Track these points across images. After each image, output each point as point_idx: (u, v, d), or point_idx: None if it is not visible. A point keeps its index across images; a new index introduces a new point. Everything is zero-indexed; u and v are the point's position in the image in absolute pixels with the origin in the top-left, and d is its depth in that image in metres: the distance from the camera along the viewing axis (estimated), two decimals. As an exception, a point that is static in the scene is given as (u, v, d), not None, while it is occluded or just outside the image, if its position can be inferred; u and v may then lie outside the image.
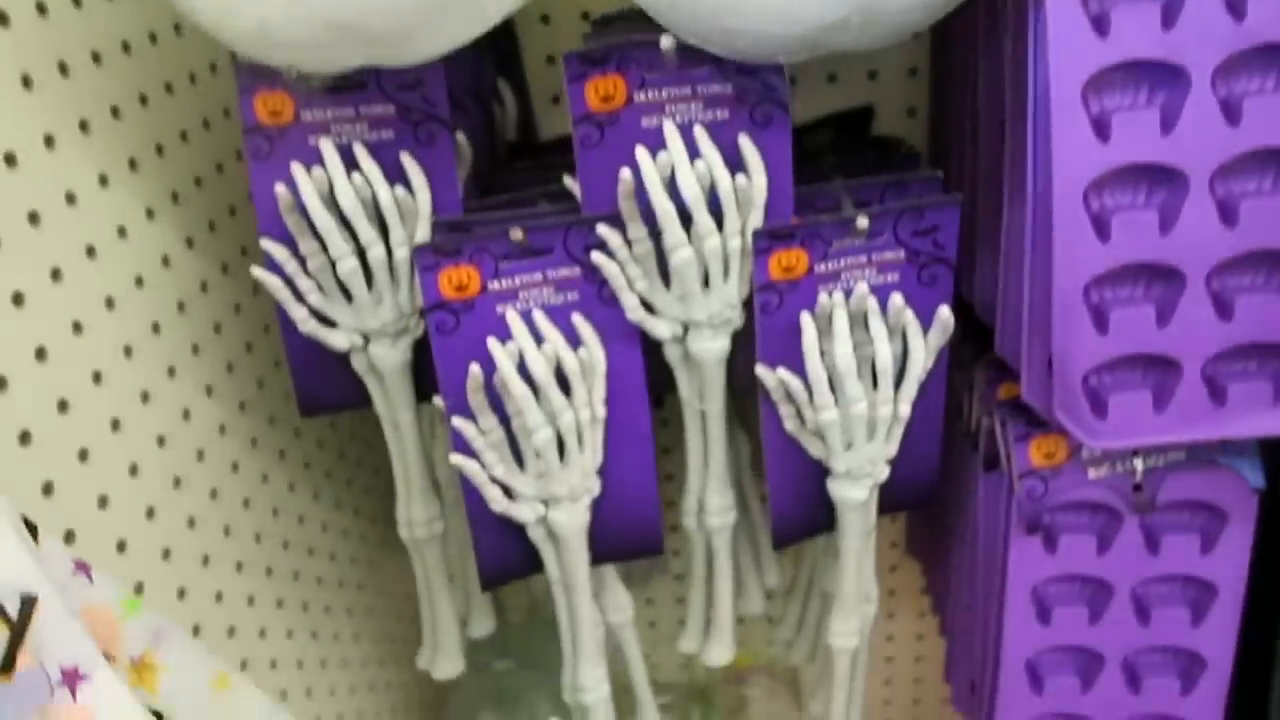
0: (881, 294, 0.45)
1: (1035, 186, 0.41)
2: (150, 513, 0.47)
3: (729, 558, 0.54)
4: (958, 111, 0.54)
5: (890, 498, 0.51)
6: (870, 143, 0.60)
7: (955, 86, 0.55)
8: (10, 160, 0.39)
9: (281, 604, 0.60)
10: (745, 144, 0.43)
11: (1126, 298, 0.42)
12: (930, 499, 0.53)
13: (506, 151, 0.61)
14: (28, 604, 0.22)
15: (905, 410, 0.45)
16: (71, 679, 0.22)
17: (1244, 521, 0.47)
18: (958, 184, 0.54)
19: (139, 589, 0.45)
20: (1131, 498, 0.47)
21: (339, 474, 0.70)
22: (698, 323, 0.45)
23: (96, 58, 0.45)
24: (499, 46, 0.63)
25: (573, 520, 0.46)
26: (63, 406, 0.41)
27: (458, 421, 0.43)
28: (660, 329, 0.45)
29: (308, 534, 0.64)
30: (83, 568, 0.25)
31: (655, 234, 0.44)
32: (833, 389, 0.45)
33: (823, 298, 0.43)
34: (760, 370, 0.45)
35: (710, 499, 0.51)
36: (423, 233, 0.45)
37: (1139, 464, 0.47)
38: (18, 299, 0.39)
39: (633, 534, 0.49)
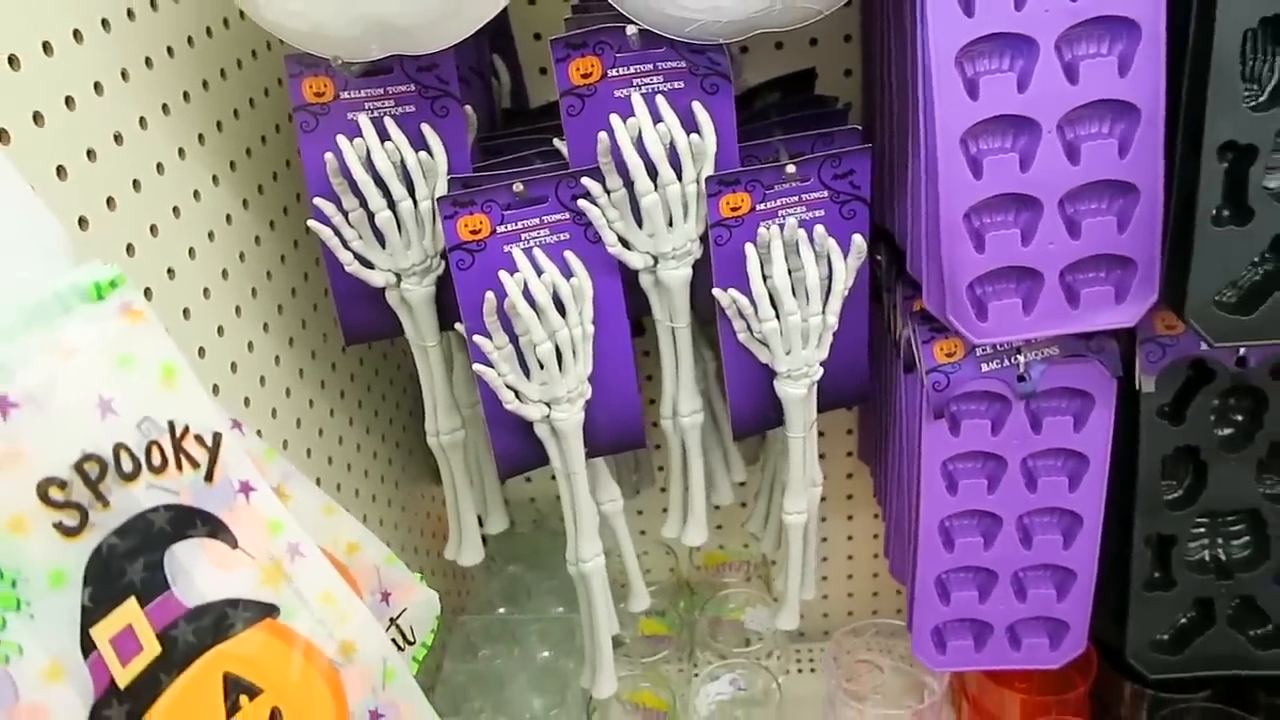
0: (810, 226, 0.56)
1: (925, 135, 0.52)
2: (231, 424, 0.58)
3: (699, 453, 0.65)
4: (879, 73, 0.65)
5: (829, 396, 0.62)
6: (810, 101, 0.71)
7: (876, 52, 0.65)
8: (118, 139, 0.50)
9: (327, 510, 0.72)
10: (698, 109, 0.54)
11: (998, 223, 0.53)
12: (863, 397, 0.64)
13: (503, 118, 0.72)
14: (217, 437, 0.33)
15: (832, 320, 0.57)
16: (246, 489, 0.33)
17: (1107, 404, 0.59)
18: (881, 134, 0.65)
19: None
20: (1017, 387, 0.59)
21: (368, 404, 0.81)
22: (665, 254, 0.56)
23: (170, 51, 0.56)
24: (494, 26, 0.73)
25: (570, 418, 0.58)
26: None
27: (478, 339, 0.55)
28: (635, 260, 0.56)
29: (346, 452, 0.75)
30: (237, 424, 0.36)
31: (629, 184, 0.55)
32: (773, 304, 0.56)
33: (761, 230, 0.54)
34: (716, 291, 0.56)
35: (682, 403, 0.63)
36: (441, 188, 0.56)
37: (1022, 359, 0.58)
38: (129, 249, 0.50)
39: (620, 430, 0.61)
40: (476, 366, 0.55)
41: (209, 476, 0.32)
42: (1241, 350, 0.57)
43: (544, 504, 0.95)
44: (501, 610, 0.85)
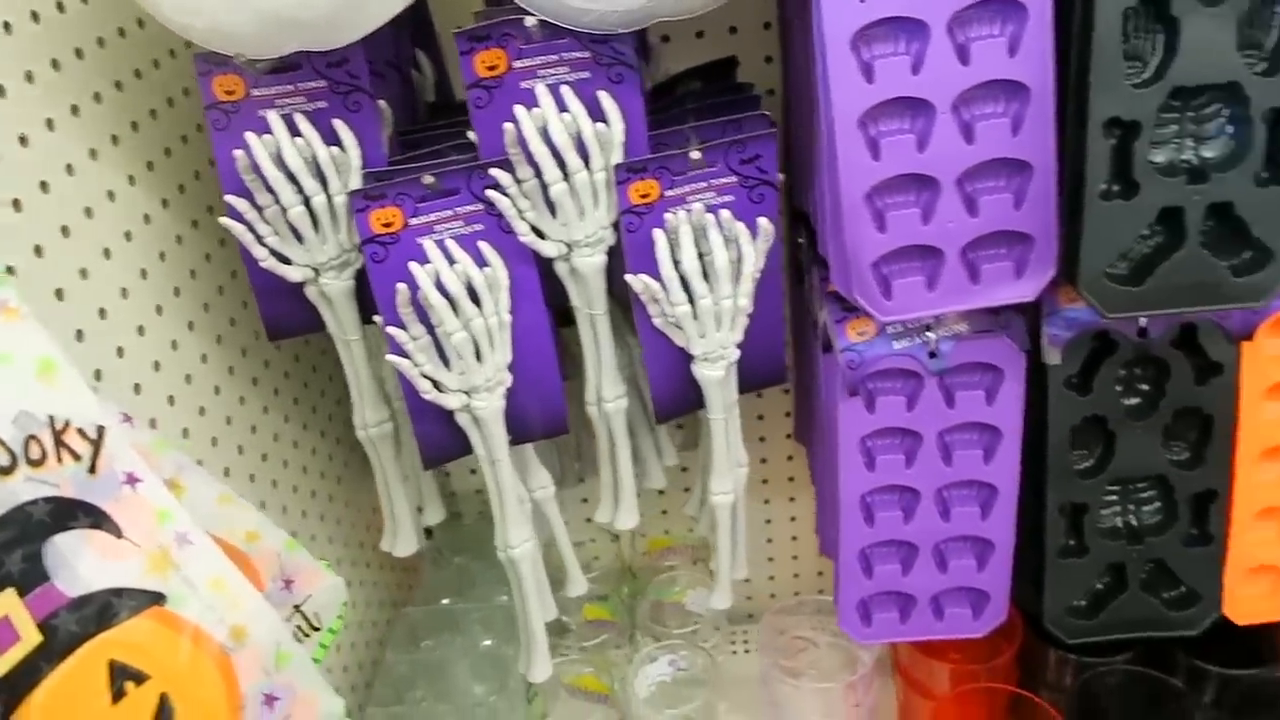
0: (720, 211, 0.57)
1: (824, 118, 0.53)
2: (153, 423, 0.59)
3: (626, 438, 0.66)
4: (792, 58, 0.66)
5: (748, 377, 0.63)
6: (729, 88, 0.72)
7: (789, 38, 0.67)
8: (24, 141, 0.50)
9: (264, 506, 0.72)
10: (604, 98, 0.55)
11: (899, 203, 0.54)
12: (781, 378, 0.66)
13: (426, 111, 0.72)
14: (100, 430, 0.33)
15: (744, 303, 0.58)
16: (131, 480, 0.34)
17: (1016, 377, 0.61)
18: (796, 119, 0.66)
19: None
20: (928, 363, 0.60)
21: (306, 400, 0.81)
22: (578, 242, 0.57)
23: (79, 53, 0.56)
24: (416, 20, 0.73)
25: (490, 406, 0.58)
26: (79, 335, 0.52)
27: (391, 330, 0.55)
28: (549, 249, 0.57)
29: (282, 449, 0.76)
30: (128, 418, 0.37)
31: (540, 174, 0.56)
32: (686, 289, 0.57)
33: (669, 216, 0.55)
34: (629, 277, 0.57)
35: (606, 389, 0.64)
36: (355, 182, 0.57)
37: (932, 335, 0.60)
38: (38, 250, 0.50)
39: (542, 417, 0.62)
40: (390, 358, 0.56)
41: (92, 469, 0.33)
42: (1142, 321, 0.59)
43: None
44: (446, 601, 0.85)
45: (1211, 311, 0.56)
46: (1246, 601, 0.65)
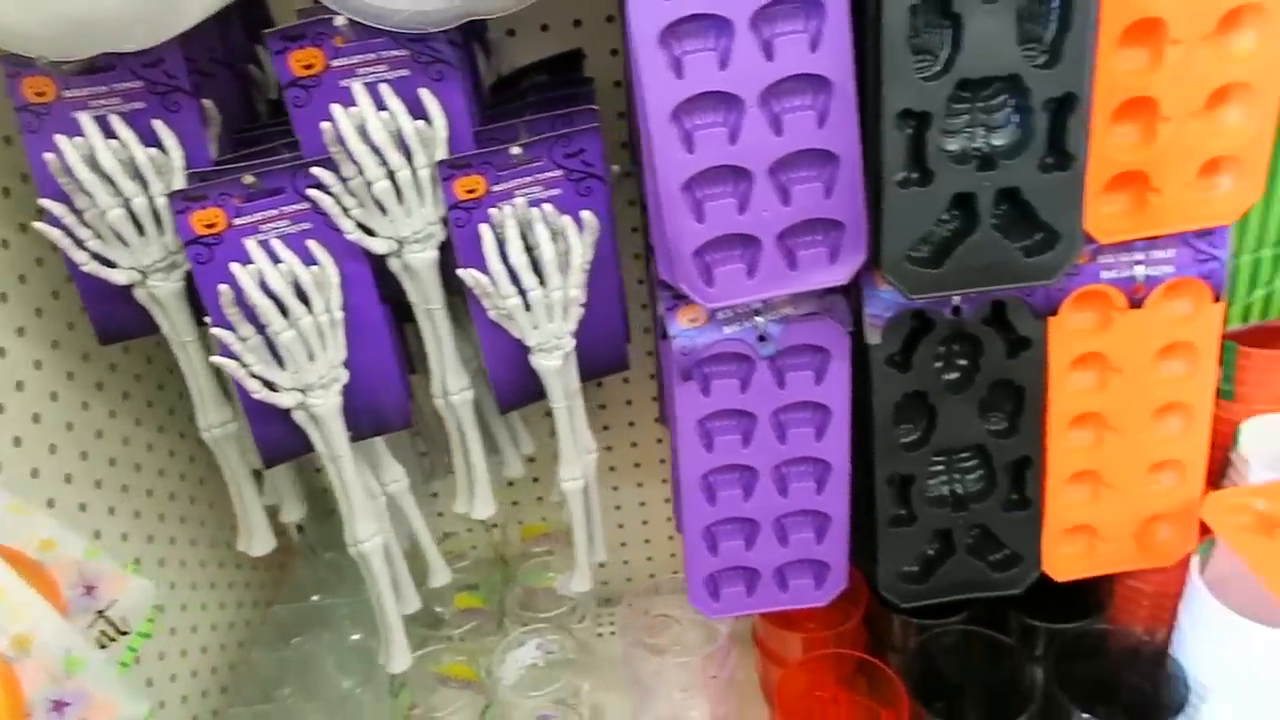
0: (549, 204, 0.58)
1: (642, 113, 0.55)
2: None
3: (475, 428, 0.67)
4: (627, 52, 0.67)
5: (590, 365, 0.65)
6: (571, 81, 0.73)
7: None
8: None
9: (113, 512, 0.71)
10: (424, 95, 0.55)
11: (716, 193, 0.56)
12: (623, 365, 0.67)
13: (269, 109, 0.72)
14: None
15: (575, 294, 0.59)
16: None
17: (842, 357, 0.63)
18: (634, 112, 0.67)
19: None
20: (758, 347, 0.63)
21: (161, 403, 0.80)
22: (407, 239, 0.58)
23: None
24: (254, 17, 0.73)
25: (326, 403, 0.59)
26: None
27: (215, 331, 0.55)
28: (378, 246, 0.58)
29: (133, 453, 0.75)
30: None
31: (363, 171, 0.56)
32: (516, 282, 0.58)
33: (494, 212, 0.56)
34: (460, 271, 0.58)
35: (450, 382, 0.65)
36: (178, 183, 0.56)
37: (760, 320, 0.62)
38: None
39: (384, 412, 0.62)
40: (216, 359, 0.56)
41: None
42: (955, 300, 0.62)
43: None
44: (316, 597, 0.85)
45: (1008, 290, 0.60)
46: (1064, 560, 0.69)
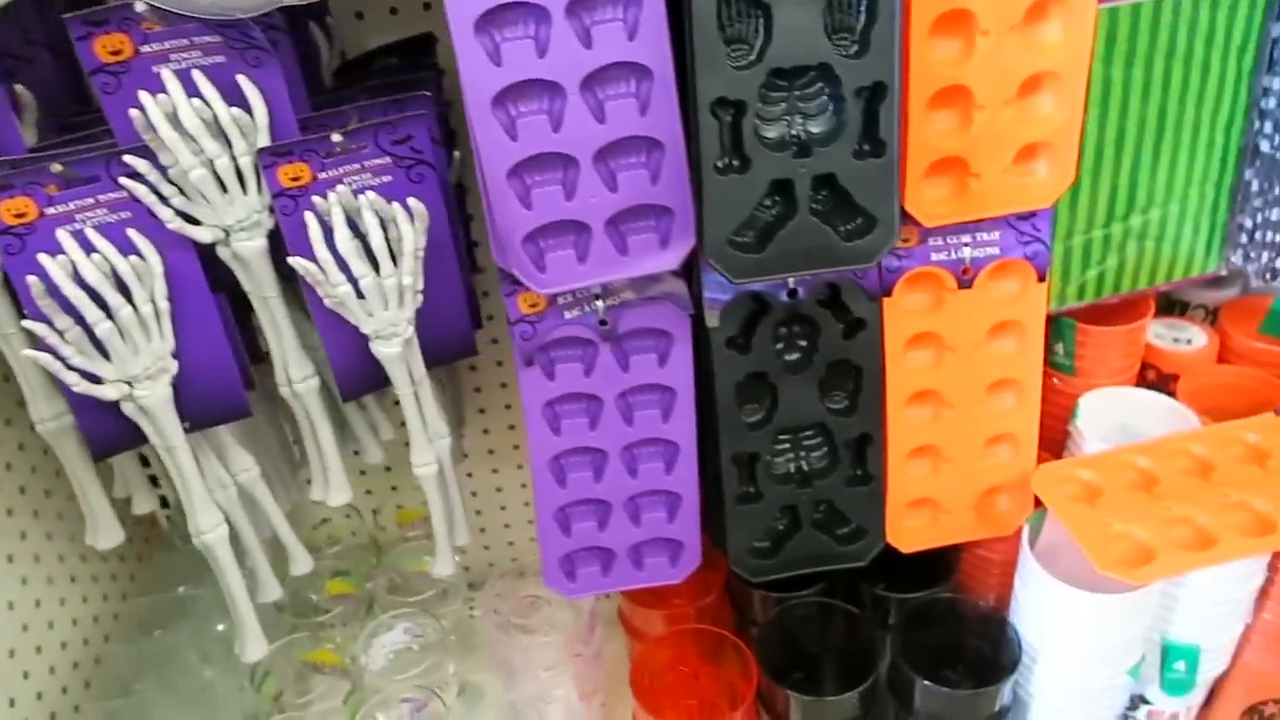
0: (380, 192, 0.58)
1: (466, 101, 0.54)
2: None
3: (323, 416, 0.67)
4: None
5: (435, 350, 0.65)
6: (425, 65, 0.72)
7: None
8: None
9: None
10: (242, 81, 0.54)
11: (543, 180, 0.56)
12: (471, 350, 0.68)
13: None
14: None
15: (409, 280, 0.59)
16: None
17: (684, 339, 0.64)
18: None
19: None
20: (600, 331, 0.63)
21: (6, 394, 0.77)
22: (233, 228, 0.57)
23: None
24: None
25: (154, 395, 0.58)
26: None
27: (27, 324, 0.54)
28: (202, 235, 0.57)
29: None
30: None
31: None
32: (348, 270, 0.58)
33: (318, 200, 0.56)
34: (290, 260, 0.58)
35: (293, 370, 0.64)
36: (-12, 171, 0.55)
37: (600, 304, 0.63)
38: None
39: (219, 403, 0.62)
40: (27, 353, 0.54)
41: None
42: (791, 283, 0.63)
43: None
44: (182, 589, 0.84)
45: (832, 273, 0.61)
46: (909, 532, 0.72)
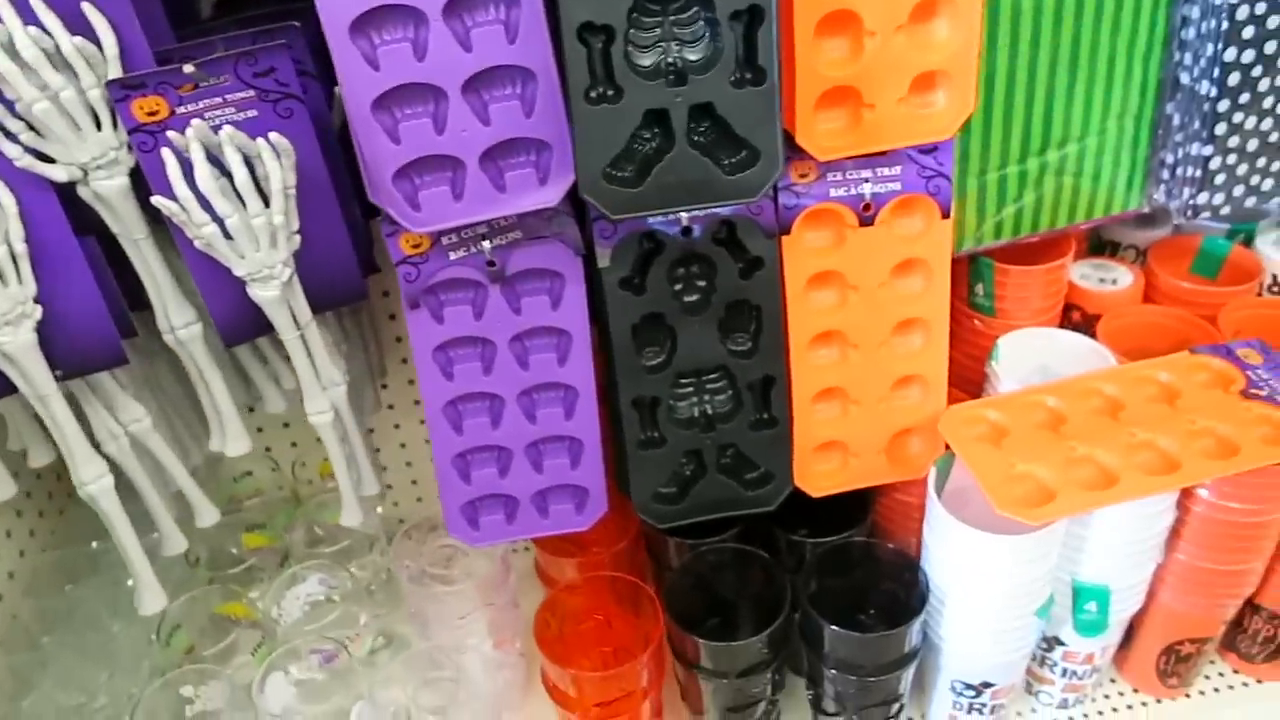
0: (245, 127, 0.55)
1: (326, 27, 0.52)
2: None
3: (211, 363, 0.65)
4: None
5: (322, 295, 0.63)
6: None
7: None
8: None
9: None
10: (87, 9, 0.52)
11: (410, 114, 0.54)
12: (361, 295, 0.66)
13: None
14: None
15: (280, 219, 0.57)
16: None
17: (577, 280, 0.63)
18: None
19: None
20: (489, 272, 0.62)
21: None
22: (88, 165, 0.55)
23: None
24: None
25: (17, 341, 0.56)
26: None
27: None
28: (56, 174, 0.54)
29: None
30: None
31: (30, 94, 0.52)
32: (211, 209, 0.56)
33: (174, 135, 0.54)
34: (154, 200, 0.55)
35: (174, 316, 0.62)
36: None
37: (487, 245, 0.61)
38: None
39: (92, 350, 0.60)
40: None
41: None
42: (684, 220, 0.61)
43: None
44: (95, 544, 0.83)
45: (719, 209, 0.59)
46: (817, 476, 0.71)
